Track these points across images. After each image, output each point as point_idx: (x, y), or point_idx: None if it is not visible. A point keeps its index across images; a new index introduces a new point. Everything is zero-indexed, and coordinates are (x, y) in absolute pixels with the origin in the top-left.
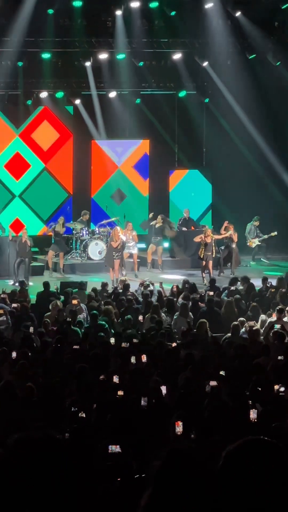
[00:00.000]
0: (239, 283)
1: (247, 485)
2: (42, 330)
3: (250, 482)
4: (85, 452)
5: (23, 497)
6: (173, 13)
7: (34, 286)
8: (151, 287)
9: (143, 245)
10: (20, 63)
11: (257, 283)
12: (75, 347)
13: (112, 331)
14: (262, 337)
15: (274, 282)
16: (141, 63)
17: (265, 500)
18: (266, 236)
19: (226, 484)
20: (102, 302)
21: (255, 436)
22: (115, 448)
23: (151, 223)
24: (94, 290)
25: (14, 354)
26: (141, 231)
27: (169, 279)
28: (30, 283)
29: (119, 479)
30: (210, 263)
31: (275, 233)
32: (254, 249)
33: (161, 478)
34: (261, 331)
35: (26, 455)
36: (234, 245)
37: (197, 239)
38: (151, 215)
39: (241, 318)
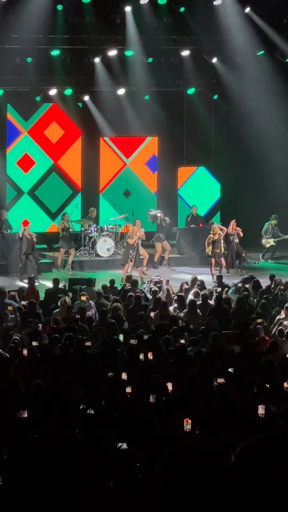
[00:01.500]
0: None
1: (261, 481)
2: (52, 326)
3: (263, 479)
4: (94, 449)
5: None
6: (182, 9)
7: (43, 283)
8: (160, 284)
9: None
10: (29, 60)
11: (265, 281)
12: (87, 343)
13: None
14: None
15: (282, 280)
16: (150, 59)
17: (278, 495)
18: (286, 236)
19: (240, 480)
20: (112, 299)
21: (265, 433)
22: (122, 445)
23: (158, 214)
24: (104, 287)
25: (25, 352)
26: (150, 227)
27: (177, 277)
28: (39, 280)
29: (125, 476)
30: (222, 260)
31: None
32: (267, 248)
33: (166, 477)
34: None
35: (49, 452)
36: (237, 240)
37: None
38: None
39: (251, 316)
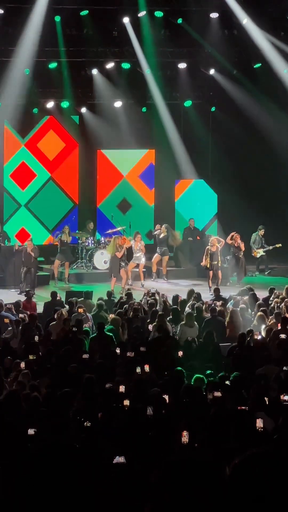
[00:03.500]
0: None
1: (255, 496)
2: (47, 339)
3: (257, 493)
4: (91, 461)
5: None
6: (179, 20)
7: (40, 295)
8: (156, 297)
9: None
10: (27, 71)
11: (262, 293)
12: (84, 356)
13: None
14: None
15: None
16: (148, 71)
17: (272, 508)
18: (271, 247)
19: (235, 495)
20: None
21: (260, 447)
22: (120, 459)
23: (155, 233)
24: (104, 300)
25: (23, 365)
26: (147, 241)
27: (174, 289)
28: (36, 293)
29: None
30: (219, 272)
31: (280, 245)
32: (258, 259)
33: (158, 490)
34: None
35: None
36: (241, 255)
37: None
38: (157, 226)
39: (248, 328)
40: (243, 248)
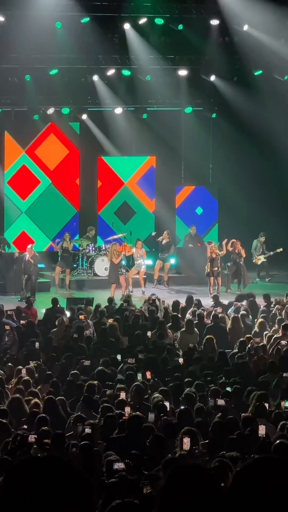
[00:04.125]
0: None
1: (258, 504)
2: (48, 346)
3: (261, 501)
4: (91, 469)
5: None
6: (180, 26)
7: (41, 302)
8: (157, 303)
9: (149, 262)
10: (27, 77)
11: (262, 300)
12: (85, 363)
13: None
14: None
15: (274, 299)
16: (148, 77)
17: None
18: (271, 253)
19: (237, 503)
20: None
21: (264, 454)
22: (120, 466)
23: (158, 239)
24: (105, 306)
25: (24, 371)
26: (148, 248)
27: (175, 296)
28: (37, 300)
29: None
30: (219, 279)
31: (281, 249)
32: (259, 266)
33: (166, 497)
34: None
35: (32, 476)
36: (242, 262)
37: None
38: (154, 234)
39: (248, 335)
40: (243, 255)
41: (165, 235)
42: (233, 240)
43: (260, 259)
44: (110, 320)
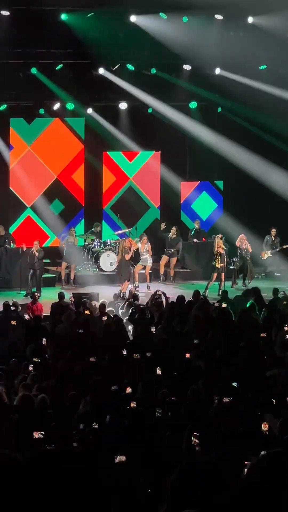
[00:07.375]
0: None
1: (273, 496)
2: (56, 341)
3: (275, 493)
4: (98, 464)
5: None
6: (185, 19)
7: (46, 297)
8: (163, 298)
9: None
10: (33, 70)
11: (268, 295)
12: (91, 359)
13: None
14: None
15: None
16: (153, 70)
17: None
18: (278, 249)
19: (252, 495)
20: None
21: (276, 448)
22: (122, 458)
23: (166, 234)
24: (110, 302)
25: (31, 367)
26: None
27: (180, 291)
28: (42, 294)
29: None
30: (223, 274)
31: (287, 246)
32: (265, 261)
33: (176, 492)
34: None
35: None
36: (249, 257)
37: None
38: (163, 225)
39: (255, 329)
40: (250, 250)
41: (173, 231)
42: (241, 235)
43: (267, 254)
44: (115, 316)
